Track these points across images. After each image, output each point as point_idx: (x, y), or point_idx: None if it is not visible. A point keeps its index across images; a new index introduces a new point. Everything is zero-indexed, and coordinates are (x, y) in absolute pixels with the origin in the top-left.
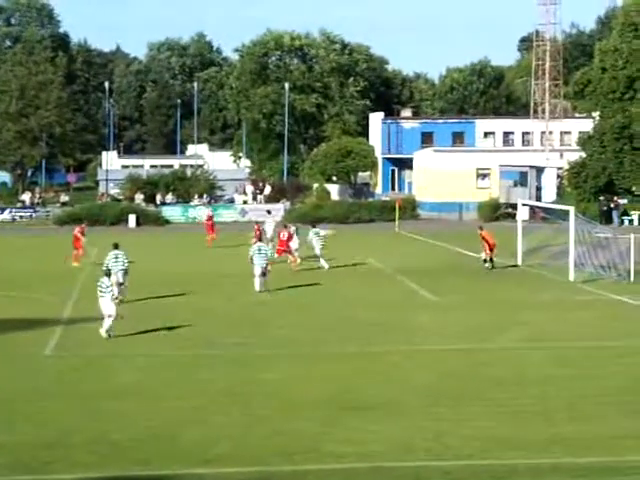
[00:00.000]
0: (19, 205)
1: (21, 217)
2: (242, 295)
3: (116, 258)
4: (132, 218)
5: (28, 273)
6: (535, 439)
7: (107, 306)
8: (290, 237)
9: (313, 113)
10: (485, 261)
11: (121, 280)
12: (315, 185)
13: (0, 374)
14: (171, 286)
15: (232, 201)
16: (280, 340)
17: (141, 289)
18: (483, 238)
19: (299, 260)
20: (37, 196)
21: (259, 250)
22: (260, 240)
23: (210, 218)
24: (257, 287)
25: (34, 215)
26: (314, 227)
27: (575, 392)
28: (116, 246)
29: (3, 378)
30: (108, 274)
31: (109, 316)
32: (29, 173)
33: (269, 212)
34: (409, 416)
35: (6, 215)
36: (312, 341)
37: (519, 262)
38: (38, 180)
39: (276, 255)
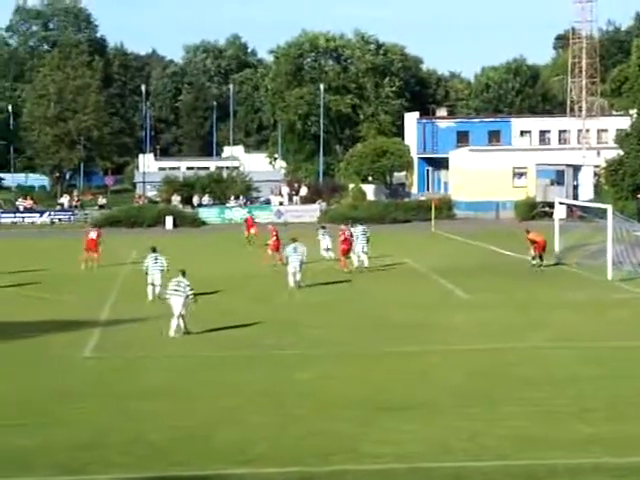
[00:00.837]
0: (58, 208)
1: (60, 220)
2: (277, 296)
3: (155, 260)
4: (169, 220)
5: (66, 275)
6: (572, 439)
7: (179, 305)
8: (351, 235)
9: (348, 114)
10: (533, 258)
11: (158, 282)
12: (351, 185)
13: (39, 376)
14: (208, 287)
15: (268, 202)
16: (315, 340)
17: None
18: (531, 241)
19: (336, 259)
20: (75, 199)
21: (295, 250)
22: (277, 243)
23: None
24: (291, 283)
25: (72, 218)
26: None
27: (611, 392)
28: (154, 249)
29: (42, 380)
30: (184, 273)
31: (179, 316)
32: (67, 176)
33: (324, 227)
34: (444, 416)
35: (45, 218)
36: (347, 341)
37: (556, 261)
38: (76, 183)
39: (341, 256)
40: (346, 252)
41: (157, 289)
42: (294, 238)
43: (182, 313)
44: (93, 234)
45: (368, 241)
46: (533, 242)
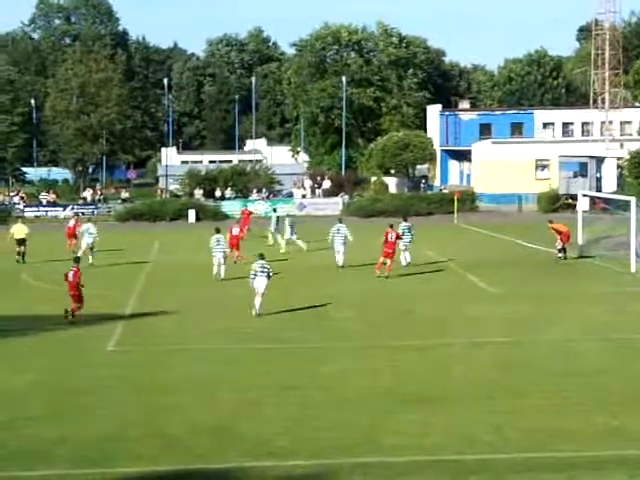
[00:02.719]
0: (80, 202)
1: (83, 214)
2: (300, 288)
3: (217, 242)
4: (192, 213)
5: (91, 268)
6: (596, 431)
7: (263, 285)
8: (398, 238)
9: (371, 106)
10: (560, 250)
11: (222, 261)
12: (373, 178)
13: (63, 368)
14: (228, 279)
15: (291, 195)
16: (338, 333)
17: (204, 283)
18: (555, 230)
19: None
20: (98, 193)
21: (338, 230)
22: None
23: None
24: (339, 262)
25: (96, 211)
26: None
27: (636, 385)
28: (218, 230)
29: (66, 372)
30: (262, 256)
31: (262, 294)
32: (90, 170)
33: (340, 221)
34: (467, 409)
35: (68, 212)
36: (370, 334)
37: (579, 253)
38: (99, 177)
39: (382, 259)
40: (388, 255)
41: (222, 269)
42: (340, 218)
43: (260, 292)
44: (72, 222)
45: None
46: (558, 232)
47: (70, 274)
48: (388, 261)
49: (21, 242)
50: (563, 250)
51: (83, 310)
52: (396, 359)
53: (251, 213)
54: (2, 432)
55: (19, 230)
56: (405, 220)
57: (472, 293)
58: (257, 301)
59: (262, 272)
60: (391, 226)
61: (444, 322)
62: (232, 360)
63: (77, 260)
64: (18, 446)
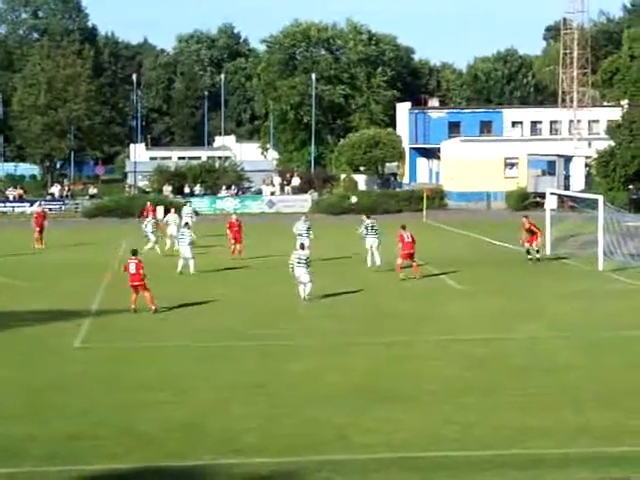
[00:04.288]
0: (48, 197)
1: (50, 209)
2: (271, 285)
3: (182, 235)
4: (160, 210)
5: (57, 265)
6: (563, 428)
7: (302, 274)
8: (414, 240)
9: (340, 104)
10: (538, 252)
11: (189, 255)
12: (343, 176)
13: (30, 365)
14: (201, 278)
15: (260, 192)
16: (309, 330)
17: (172, 279)
18: (530, 229)
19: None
20: (66, 188)
21: (372, 227)
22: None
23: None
24: (370, 263)
25: (63, 207)
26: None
27: (604, 382)
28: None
29: (33, 370)
30: (302, 247)
31: (310, 281)
32: (58, 166)
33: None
34: (437, 406)
35: (35, 207)
36: (340, 331)
37: (548, 251)
38: (67, 172)
39: (400, 260)
40: (410, 257)
41: (191, 263)
42: (367, 214)
43: (305, 281)
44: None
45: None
46: (532, 232)
47: (132, 266)
48: (413, 263)
49: None
50: (536, 251)
51: (48, 307)
52: (367, 356)
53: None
54: None
55: None
56: (368, 217)
57: (441, 291)
58: (301, 289)
59: (299, 263)
60: (403, 227)
61: (413, 319)
62: (200, 357)
63: (135, 252)
64: None
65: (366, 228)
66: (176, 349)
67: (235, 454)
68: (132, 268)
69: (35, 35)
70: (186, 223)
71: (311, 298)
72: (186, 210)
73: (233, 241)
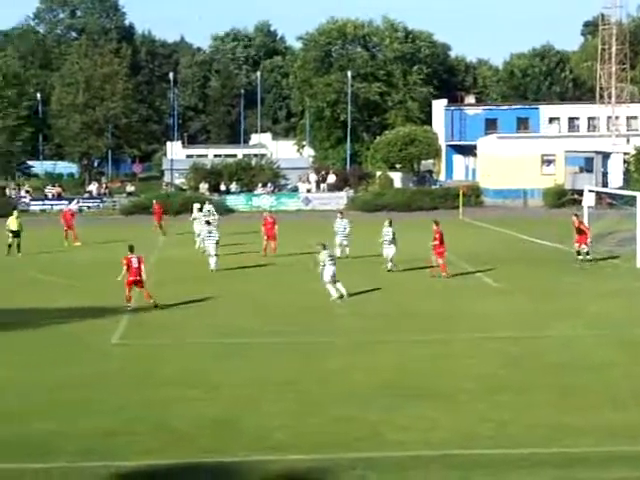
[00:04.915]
0: (86, 195)
1: (88, 207)
2: (302, 284)
3: (209, 233)
4: (196, 207)
5: (94, 262)
6: (602, 426)
7: (333, 273)
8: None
9: (376, 101)
10: (588, 253)
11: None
12: (378, 173)
13: (67, 362)
14: (233, 275)
15: (295, 190)
16: (340, 329)
17: (207, 277)
18: (580, 228)
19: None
20: (104, 186)
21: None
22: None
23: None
24: (389, 266)
25: (101, 205)
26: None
27: None
28: (208, 223)
29: (70, 366)
30: (324, 246)
31: (335, 281)
32: (96, 164)
33: (341, 213)
34: (472, 404)
35: (73, 206)
36: (373, 329)
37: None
38: (104, 170)
39: (436, 258)
40: (442, 255)
41: (213, 260)
42: (390, 220)
43: (335, 280)
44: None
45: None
46: (581, 231)
47: (134, 260)
48: (441, 260)
49: (15, 234)
50: (586, 252)
51: (87, 303)
52: (399, 354)
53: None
54: (7, 425)
55: (13, 222)
56: (390, 225)
57: (477, 288)
58: (331, 288)
59: (330, 261)
60: (437, 224)
61: (448, 317)
62: (233, 354)
63: (132, 249)
64: (24, 439)
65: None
66: (208, 346)
67: (268, 451)
68: (135, 262)
69: (73, 34)
70: (207, 221)
71: (343, 296)
72: (206, 208)
73: (267, 238)
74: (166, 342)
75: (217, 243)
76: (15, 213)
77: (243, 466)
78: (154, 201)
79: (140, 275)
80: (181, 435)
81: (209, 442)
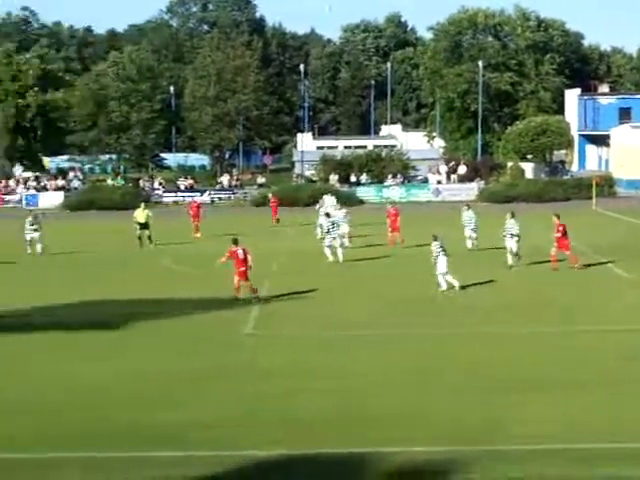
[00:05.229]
0: (217, 187)
1: (220, 199)
2: (429, 276)
3: (333, 225)
4: (328, 199)
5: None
6: None
7: (444, 264)
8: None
9: (507, 91)
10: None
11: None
12: (509, 164)
13: (200, 352)
14: (359, 267)
15: (426, 181)
16: (468, 319)
17: (337, 268)
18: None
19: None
20: (235, 178)
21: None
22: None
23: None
24: (510, 261)
25: (232, 197)
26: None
27: None
28: (513, 215)
29: (203, 356)
30: (436, 237)
31: (445, 273)
32: (227, 155)
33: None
34: (592, 398)
35: (205, 197)
36: (498, 322)
37: None
38: (236, 162)
39: (559, 251)
40: (567, 247)
41: (339, 252)
42: (513, 213)
43: (447, 271)
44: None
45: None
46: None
47: (240, 252)
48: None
49: (143, 226)
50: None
51: (219, 294)
52: (522, 347)
53: None
54: (134, 413)
55: (140, 214)
56: (513, 217)
57: (609, 280)
58: (442, 279)
59: (442, 252)
60: (558, 217)
61: (576, 309)
62: (363, 346)
63: (236, 241)
64: (152, 428)
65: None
66: (338, 338)
67: (393, 442)
68: (241, 254)
69: (205, 27)
70: (327, 213)
71: (454, 287)
72: (328, 201)
73: (391, 230)
74: (298, 333)
75: (338, 235)
76: (142, 205)
77: (367, 457)
78: (270, 195)
79: (246, 267)
80: (307, 426)
81: (334, 433)
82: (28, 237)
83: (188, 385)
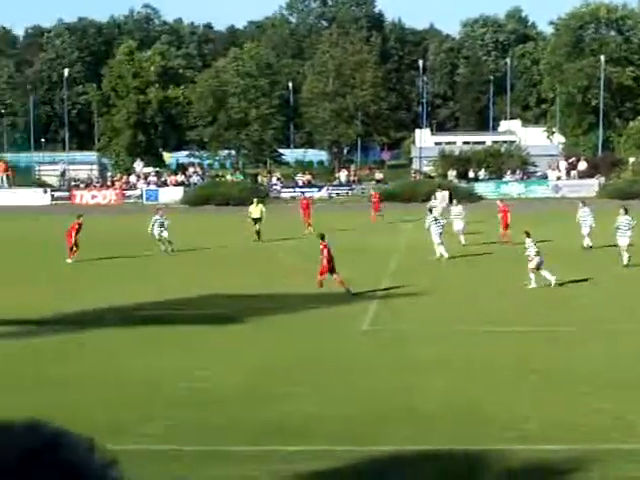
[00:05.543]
0: (335, 183)
1: (337, 194)
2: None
3: (435, 220)
4: (445, 195)
5: (344, 248)
6: None
7: (535, 262)
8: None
9: (629, 86)
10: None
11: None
12: (631, 159)
13: (318, 348)
14: (475, 262)
15: (545, 177)
16: (584, 318)
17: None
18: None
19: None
20: (353, 174)
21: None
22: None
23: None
24: (624, 261)
25: (350, 193)
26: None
27: None
28: (626, 211)
29: (321, 352)
30: (528, 234)
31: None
32: (345, 151)
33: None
34: None
35: (323, 193)
36: (619, 319)
37: None
38: (353, 158)
39: None
40: None
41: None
42: (626, 208)
43: (541, 267)
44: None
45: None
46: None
47: (326, 250)
48: None
49: (256, 221)
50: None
51: (336, 288)
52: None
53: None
54: (260, 408)
55: (255, 210)
56: (627, 214)
57: None
58: (546, 275)
59: (535, 249)
60: None
61: None
62: (482, 342)
63: (323, 237)
64: (277, 422)
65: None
66: (457, 333)
67: (517, 440)
68: (326, 252)
69: (324, 23)
70: (430, 209)
71: (551, 284)
72: (440, 197)
73: (503, 226)
74: (416, 328)
75: (442, 231)
76: (255, 201)
77: (492, 454)
78: (372, 191)
79: (332, 262)
80: (431, 422)
81: (457, 430)
82: (157, 234)
83: (309, 379)
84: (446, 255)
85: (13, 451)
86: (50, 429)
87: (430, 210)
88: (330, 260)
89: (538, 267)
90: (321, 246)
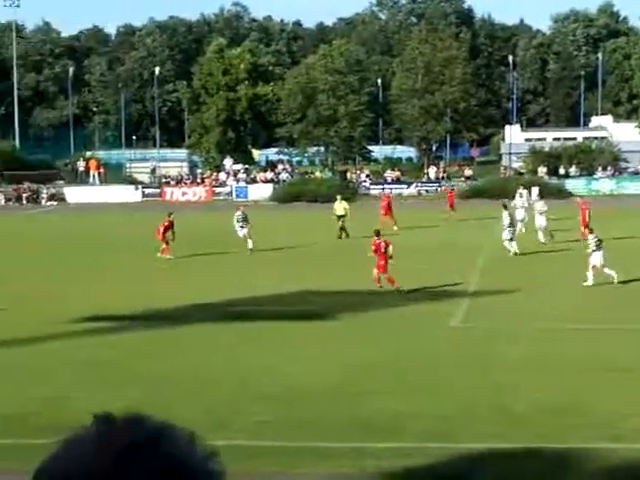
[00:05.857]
0: (424, 179)
1: (426, 191)
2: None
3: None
4: (535, 191)
5: (431, 246)
6: None
7: (597, 259)
8: None
9: None
10: None
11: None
12: None
13: (407, 345)
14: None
15: (637, 173)
16: None
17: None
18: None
19: None
20: (442, 170)
21: None
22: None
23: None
24: None
25: (439, 189)
26: None
27: None
28: (505, 207)
29: (410, 349)
30: (591, 230)
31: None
32: (434, 148)
33: None
34: None
35: (412, 189)
36: None
37: None
38: (442, 154)
39: None
40: None
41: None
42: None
43: (603, 264)
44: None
45: None
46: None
47: (382, 244)
48: None
49: (340, 218)
50: None
51: (425, 284)
52: None
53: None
54: (350, 403)
55: (339, 207)
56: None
57: None
58: (590, 274)
59: (597, 246)
60: None
61: None
62: (572, 340)
63: (378, 233)
64: (366, 419)
65: None
66: (545, 331)
67: (612, 439)
68: (383, 246)
69: (413, 20)
70: (504, 205)
71: (613, 281)
72: (524, 193)
73: (583, 224)
74: (507, 326)
75: (512, 228)
76: (339, 197)
77: (585, 453)
78: (446, 188)
79: (386, 260)
80: (521, 420)
81: (549, 428)
82: (240, 233)
83: (399, 377)
84: (517, 251)
85: (117, 444)
86: (153, 423)
87: (505, 206)
88: (385, 258)
89: (594, 264)
90: (382, 242)
